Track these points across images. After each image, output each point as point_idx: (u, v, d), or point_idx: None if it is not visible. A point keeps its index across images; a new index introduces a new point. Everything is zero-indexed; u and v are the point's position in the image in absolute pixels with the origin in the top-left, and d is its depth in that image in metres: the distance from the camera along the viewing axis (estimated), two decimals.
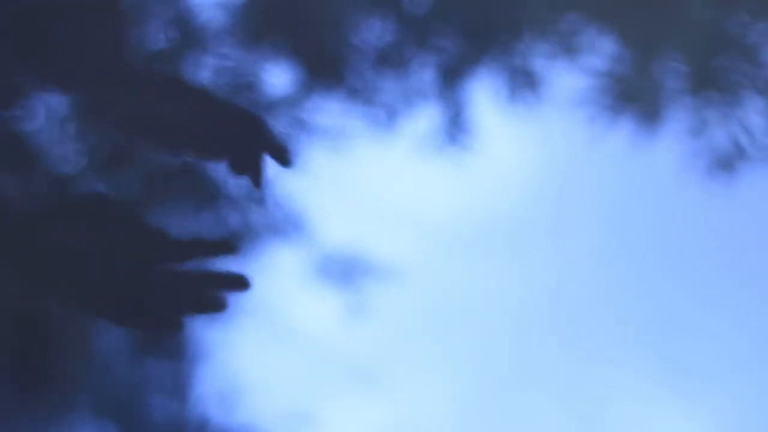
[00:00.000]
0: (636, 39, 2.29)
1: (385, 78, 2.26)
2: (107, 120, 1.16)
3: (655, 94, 2.27)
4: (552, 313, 2.12)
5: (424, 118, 2.26)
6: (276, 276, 2.11)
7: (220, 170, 2.13)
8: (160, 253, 1.07)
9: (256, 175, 1.20)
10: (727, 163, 2.25)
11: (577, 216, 2.18)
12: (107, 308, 1.06)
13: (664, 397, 2.09)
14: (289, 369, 2.05)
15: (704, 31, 2.28)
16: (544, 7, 2.28)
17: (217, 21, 2.22)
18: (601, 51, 2.30)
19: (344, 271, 2.15)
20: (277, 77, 2.22)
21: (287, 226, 2.15)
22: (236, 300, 1.98)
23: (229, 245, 1.08)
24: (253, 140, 1.21)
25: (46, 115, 2.04)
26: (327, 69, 2.23)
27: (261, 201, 2.14)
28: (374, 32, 2.27)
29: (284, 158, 1.20)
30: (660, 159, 2.23)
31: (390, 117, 2.24)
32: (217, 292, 1.07)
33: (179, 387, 2.05)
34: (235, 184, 2.12)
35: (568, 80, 2.28)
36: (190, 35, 2.19)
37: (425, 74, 2.28)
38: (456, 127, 2.26)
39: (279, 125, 2.19)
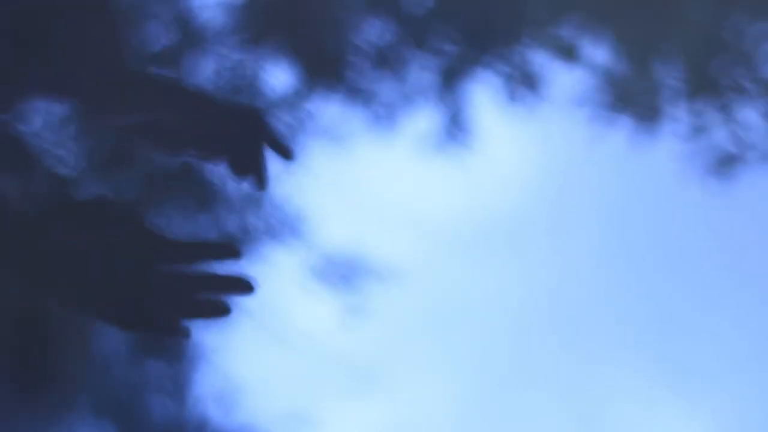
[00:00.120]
0: (635, 40, 2.29)
1: (385, 78, 2.26)
2: (107, 121, 1.16)
3: (654, 95, 2.28)
4: (552, 313, 2.12)
5: (424, 118, 2.26)
6: (276, 277, 2.11)
7: (219, 172, 2.13)
8: (160, 254, 1.07)
9: (259, 175, 1.20)
10: (725, 163, 2.25)
11: (576, 216, 2.18)
12: (107, 309, 1.06)
13: (664, 397, 2.09)
14: (289, 369, 2.06)
15: (703, 33, 2.28)
16: (544, 8, 2.28)
17: (217, 21, 2.22)
18: (601, 52, 2.30)
19: (344, 272, 2.15)
20: (277, 77, 2.22)
21: (287, 227, 2.15)
22: (236, 301, 1.99)
23: (232, 249, 1.08)
24: (255, 136, 1.21)
25: (46, 117, 2.04)
26: (327, 69, 2.23)
27: (261, 202, 2.14)
28: (374, 32, 2.27)
29: (286, 152, 1.19)
30: (659, 159, 2.23)
31: (390, 117, 2.24)
32: (221, 296, 1.07)
33: (179, 387, 2.05)
34: (235, 186, 2.12)
35: (568, 80, 2.28)
36: (190, 35, 2.19)
37: (425, 74, 2.28)
38: (456, 127, 2.26)
39: (279, 125, 2.19)
